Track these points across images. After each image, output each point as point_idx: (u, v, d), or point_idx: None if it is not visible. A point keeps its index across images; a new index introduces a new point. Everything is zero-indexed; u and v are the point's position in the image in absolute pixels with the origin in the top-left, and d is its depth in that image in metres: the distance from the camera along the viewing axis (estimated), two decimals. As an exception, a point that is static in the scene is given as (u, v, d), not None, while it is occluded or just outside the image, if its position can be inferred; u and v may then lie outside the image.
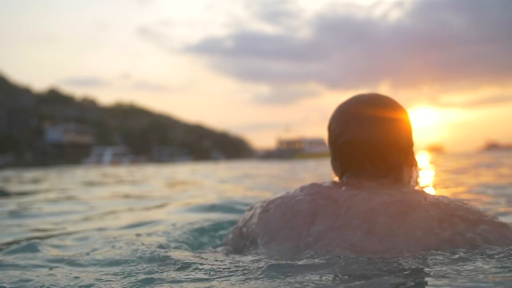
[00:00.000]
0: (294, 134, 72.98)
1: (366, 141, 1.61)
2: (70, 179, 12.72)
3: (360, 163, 1.64)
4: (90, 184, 9.84)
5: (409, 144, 1.69)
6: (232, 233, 1.89)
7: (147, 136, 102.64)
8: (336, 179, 1.75)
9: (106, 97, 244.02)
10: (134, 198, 6.00)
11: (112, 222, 3.42)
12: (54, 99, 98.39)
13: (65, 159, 70.67)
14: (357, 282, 1.20)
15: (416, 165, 1.74)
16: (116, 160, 61.80)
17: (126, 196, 6.47)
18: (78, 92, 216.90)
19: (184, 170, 18.54)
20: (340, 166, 1.71)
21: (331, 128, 1.72)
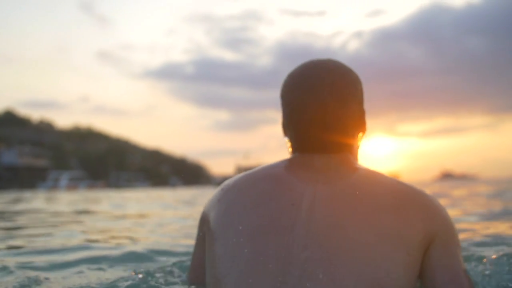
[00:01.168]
0: (253, 161, 73.66)
1: (320, 111, 1.49)
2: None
3: (315, 135, 1.51)
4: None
5: (362, 113, 1.61)
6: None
7: (104, 160, 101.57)
8: (288, 145, 1.62)
9: (63, 121, 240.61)
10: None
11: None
12: (10, 121, 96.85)
13: (19, 183, 69.35)
14: None
15: (365, 131, 1.66)
16: (73, 185, 61.09)
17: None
18: (35, 114, 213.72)
19: (140, 197, 18.42)
20: (293, 136, 1.57)
21: (283, 96, 1.60)
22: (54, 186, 60.26)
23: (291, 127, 1.58)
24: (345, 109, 1.51)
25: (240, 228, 1.38)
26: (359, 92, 1.58)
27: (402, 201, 1.35)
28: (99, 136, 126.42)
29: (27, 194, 26.02)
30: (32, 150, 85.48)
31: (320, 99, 1.49)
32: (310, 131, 1.52)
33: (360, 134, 1.62)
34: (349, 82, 1.55)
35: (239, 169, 66.76)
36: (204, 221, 1.53)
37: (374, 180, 1.41)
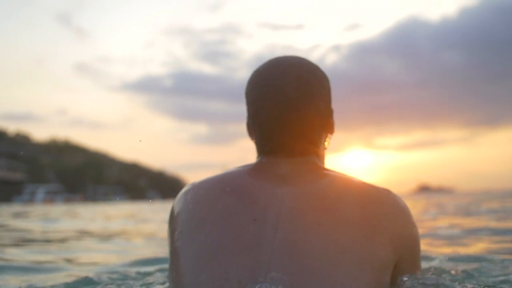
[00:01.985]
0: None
1: (285, 109, 1.42)
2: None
3: (279, 135, 1.45)
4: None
5: (330, 112, 1.54)
6: None
7: (82, 174, 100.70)
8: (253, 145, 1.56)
9: (40, 133, 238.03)
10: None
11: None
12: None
13: (-6, 196, 68.33)
14: None
15: (332, 132, 1.59)
16: (49, 199, 60.47)
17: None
18: (11, 127, 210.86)
19: (116, 212, 18.19)
20: (259, 137, 1.50)
21: (247, 94, 1.52)
22: (31, 200, 59.60)
23: (255, 128, 1.51)
24: (311, 106, 1.45)
25: (201, 246, 1.28)
26: (326, 89, 1.52)
27: (370, 212, 1.30)
28: (76, 149, 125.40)
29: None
30: (7, 163, 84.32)
31: (285, 95, 1.43)
32: (275, 131, 1.45)
33: (328, 135, 1.57)
34: (315, 78, 1.49)
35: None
36: (172, 221, 1.44)
37: (342, 187, 1.35)
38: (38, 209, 20.61)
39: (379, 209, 1.31)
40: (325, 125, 1.53)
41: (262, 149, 1.50)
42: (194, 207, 1.38)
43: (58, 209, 20.46)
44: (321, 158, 1.54)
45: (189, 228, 1.34)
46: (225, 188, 1.38)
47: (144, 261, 3.06)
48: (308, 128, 1.46)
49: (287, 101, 1.42)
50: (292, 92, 1.42)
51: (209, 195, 1.38)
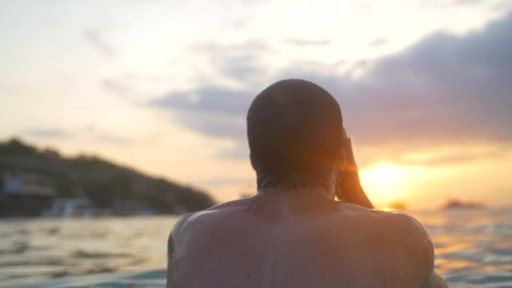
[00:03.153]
0: (256, 189, 73.06)
1: (286, 136, 1.29)
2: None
3: (282, 169, 1.32)
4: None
5: (338, 141, 1.38)
6: None
7: (110, 188, 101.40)
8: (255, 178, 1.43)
9: (69, 149, 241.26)
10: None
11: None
12: (15, 149, 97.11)
13: (24, 211, 69.18)
14: None
15: (343, 165, 1.42)
16: (78, 213, 60.80)
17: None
18: (40, 143, 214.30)
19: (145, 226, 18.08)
20: (259, 168, 1.38)
21: (247, 121, 1.41)
22: (59, 214, 59.99)
23: (255, 158, 1.37)
24: (313, 134, 1.29)
25: None
26: (333, 116, 1.35)
27: (381, 252, 1.13)
28: (104, 164, 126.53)
29: (31, 224, 25.74)
30: (37, 178, 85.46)
31: (284, 123, 1.28)
32: (274, 161, 1.31)
33: (337, 166, 1.39)
34: (319, 103, 1.32)
35: (244, 197, 66.26)
36: (169, 262, 1.30)
37: (348, 225, 1.16)
38: (87, 226, 20.54)
39: (391, 248, 1.15)
40: (332, 155, 1.37)
41: (262, 181, 1.36)
42: (185, 258, 1.23)
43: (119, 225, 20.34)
44: (329, 191, 1.38)
45: (181, 284, 1.21)
46: (218, 235, 1.22)
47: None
48: (311, 158, 1.32)
49: (286, 129, 1.28)
50: (292, 119, 1.29)
51: (200, 242, 1.22)
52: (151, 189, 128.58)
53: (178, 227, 1.32)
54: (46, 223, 24.68)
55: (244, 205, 1.29)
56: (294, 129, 1.27)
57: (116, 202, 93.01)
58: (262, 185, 1.35)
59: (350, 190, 1.56)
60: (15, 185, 79.40)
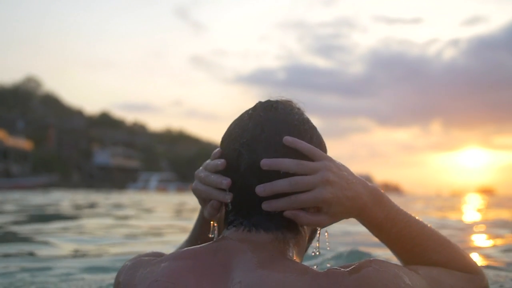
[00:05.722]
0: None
1: (250, 180, 1.18)
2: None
3: (243, 208, 1.22)
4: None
5: None
6: None
7: (194, 163, 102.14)
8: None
9: (156, 123, 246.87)
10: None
11: None
12: (105, 123, 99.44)
13: (111, 182, 70.39)
14: None
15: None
16: (162, 187, 60.93)
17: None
18: (129, 117, 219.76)
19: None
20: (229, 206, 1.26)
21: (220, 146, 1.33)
22: (144, 187, 60.41)
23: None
24: (280, 174, 1.18)
25: None
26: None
27: None
28: (190, 139, 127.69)
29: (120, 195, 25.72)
30: (124, 151, 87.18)
31: (252, 158, 1.19)
32: (239, 199, 1.22)
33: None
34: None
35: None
36: None
37: None
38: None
39: None
40: None
41: (227, 217, 1.28)
42: None
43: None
44: (299, 237, 1.25)
45: None
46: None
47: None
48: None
49: (252, 167, 1.20)
50: (260, 154, 1.19)
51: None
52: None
53: (131, 274, 1.21)
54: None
55: (197, 258, 1.17)
56: (258, 168, 1.18)
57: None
58: (227, 221, 1.26)
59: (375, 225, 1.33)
60: (103, 157, 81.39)
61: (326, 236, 1.30)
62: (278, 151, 1.19)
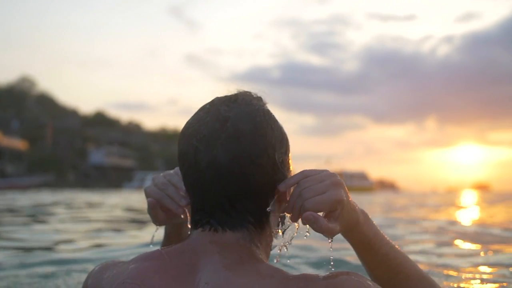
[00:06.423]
0: (334, 166, 71.56)
1: (217, 181, 1.16)
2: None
3: (205, 208, 1.19)
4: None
5: (276, 175, 1.20)
6: None
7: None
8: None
9: (151, 122, 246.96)
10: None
11: None
12: (100, 122, 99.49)
13: (106, 182, 70.54)
14: None
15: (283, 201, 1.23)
16: (157, 186, 61.06)
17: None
18: (124, 116, 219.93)
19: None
20: (191, 202, 1.25)
21: (178, 147, 1.26)
22: (140, 186, 60.49)
23: (187, 190, 1.26)
24: (241, 170, 1.15)
25: None
26: (270, 148, 1.19)
27: None
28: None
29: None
30: (119, 150, 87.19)
31: (209, 157, 1.16)
32: (199, 198, 1.21)
33: (278, 204, 1.23)
34: (250, 134, 1.17)
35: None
36: None
37: None
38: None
39: None
40: (268, 192, 1.21)
41: (193, 217, 1.26)
42: None
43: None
44: (264, 234, 1.24)
45: None
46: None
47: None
48: (239, 198, 1.18)
49: (212, 164, 1.16)
50: (220, 153, 1.16)
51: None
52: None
53: (98, 277, 1.24)
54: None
55: (164, 259, 1.18)
56: (218, 165, 1.15)
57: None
58: (193, 222, 1.24)
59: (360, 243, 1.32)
60: (98, 156, 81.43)
61: (330, 245, 1.23)
62: (238, 145, 1.15)
